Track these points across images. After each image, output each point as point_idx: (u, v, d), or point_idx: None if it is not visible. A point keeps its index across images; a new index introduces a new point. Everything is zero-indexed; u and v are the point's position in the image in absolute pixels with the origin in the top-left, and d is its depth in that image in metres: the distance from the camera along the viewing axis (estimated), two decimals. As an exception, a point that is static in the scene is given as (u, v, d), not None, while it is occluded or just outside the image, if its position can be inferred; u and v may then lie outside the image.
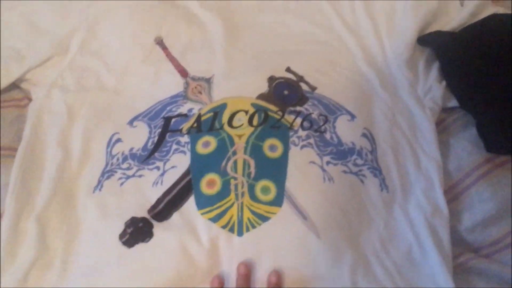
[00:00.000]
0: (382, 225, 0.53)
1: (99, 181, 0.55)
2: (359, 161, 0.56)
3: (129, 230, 0.51)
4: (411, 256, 0.52)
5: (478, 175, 0.56)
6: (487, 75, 0.58)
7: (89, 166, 0.56)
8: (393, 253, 0.52)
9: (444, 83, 0.61)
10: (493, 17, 0.62)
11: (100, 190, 0.54)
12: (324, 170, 0.54)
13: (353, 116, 0.58)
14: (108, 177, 0.55)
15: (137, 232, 0.51)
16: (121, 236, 0.51)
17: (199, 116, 0.58)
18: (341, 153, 0.56)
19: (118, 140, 0.57)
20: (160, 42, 0.63)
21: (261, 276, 0.50)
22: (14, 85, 0.63)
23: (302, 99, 0.59)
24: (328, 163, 0.55)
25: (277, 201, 0.52)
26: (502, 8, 0.66)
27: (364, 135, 0.57)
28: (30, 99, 0.61)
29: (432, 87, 0.61)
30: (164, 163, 0.55)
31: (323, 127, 0.57)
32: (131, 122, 0.58)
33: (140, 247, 0.51)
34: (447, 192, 0.56)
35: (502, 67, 0.58)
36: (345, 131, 0.57)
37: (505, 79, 0.57)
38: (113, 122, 0.58)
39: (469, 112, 0.60)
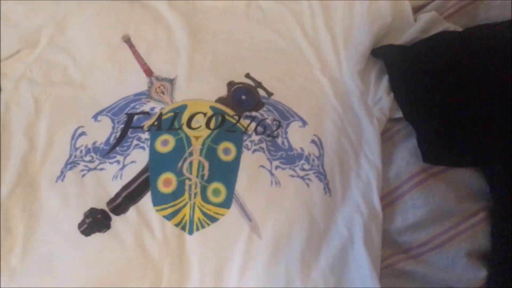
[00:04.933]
0: (322, 226, 0.58)
1: (62, 172, 0.58)
2: (306, 166, 0.60)
3: (87, 220, 0.56)
4: (343, 254, 0.57)
5: (414, 183, 0.61)
6: (429, 90, 0.62)
7: (53, 157, 0.59)
8: (328, 251, 0.57)
9: (392, 94, 0.65)
10: (442, 34, 0.66)
11: (62, 180, 0.58)
12: (272, 174, 0.59)
13: (304, 123, 0.63)
14: (70, 168, 0.58)
15: (95, 222, 0.56)
16: (80, 225, 0.56)
17: (161, 115, 0.61)
18: (290, 158, 0.60)
19: (83, 133, 0.60)
20: (127, 40, 0.65)
21: (208, 273, 0.55)
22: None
23: (258, 104, 0.63)
24: (277, 167, 0.59)
25: (226, 203, 0.57)
26: (452, 25, 0.69)
27: (313, 141, 0.62)
28: (-2, 90, 0.63)
29: (381, 98, 0.65)
30: (124, 158, 0.59)
31: (275, 132, 0.61)
32: (95, 117, 0.61)
33: (96, 236, 0.55)
34: (384, 197, 0.61)
35: (444, 83, 0.62)
36: (296, 137, 0.62)
37: (445, 95, 0.62)
38: (78, 116, 0.61)
39: (411, 124, 0.64)
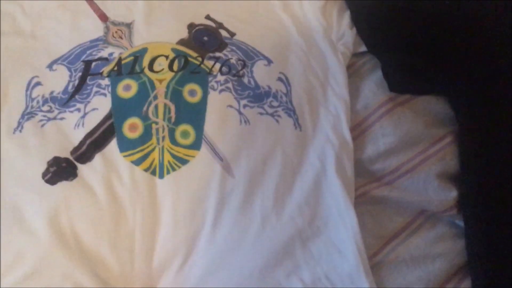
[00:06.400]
0: (295, 160, 0.58)
1: (19, 123, 0.55)
2: (275, 103, 0.59)
3: (52, 169, 0.53)
4: (317, 185, 0.57)
5: (382, 112, 0.61)
6: (390, 22, 0.63)
7: (8, 108, 0.56)
8: (302, 184, 0.57)
9: (355, 29, 0.65)
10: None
11: (20, 131, 0.55)
12: (241, 113, 0.58)
13: (269, 61, 0.62)
14: (28, 119, 0.56)
15: (60, 171, 0.53)
16: (44, 175, 0.53)
17: (120, 59, 0.59)
18: (258, 96, 0.59)
19: (38, 83, 0.57)
20: (78, -15, 0.62)
21: (182, 215, 0.54)
22: None
23: (221, 45, 0.61)
24: (245, 106, 0.58)
25: (195, 145, 0.56)
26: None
27: (279, 79, 0.61)
28: None
29: (345, 34, 0.65)
30: (85, 105, 0.56)
31: (241, 72, 0.60)
32: (50, 66, 0.58)
33: (63, 184, 0.53)
34: (354, 129, 0.61)
35: (405, 16, 0.63)
36: (262, 75, 0.60)
37: (405, 26, 0.63)
38: (31, 66, 0.58)
39: (375, 56, 0.64)
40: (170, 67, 0.59)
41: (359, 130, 0.62)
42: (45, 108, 0.56)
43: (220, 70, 0.60)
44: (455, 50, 0.62)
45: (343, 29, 0.65)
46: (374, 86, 0.63)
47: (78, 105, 0.56)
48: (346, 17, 0.66)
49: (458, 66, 0.62)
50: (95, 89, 0.57)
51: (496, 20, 0.64)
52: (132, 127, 0.56)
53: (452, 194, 0.58)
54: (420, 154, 0.60)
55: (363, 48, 0.66)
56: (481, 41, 0.62)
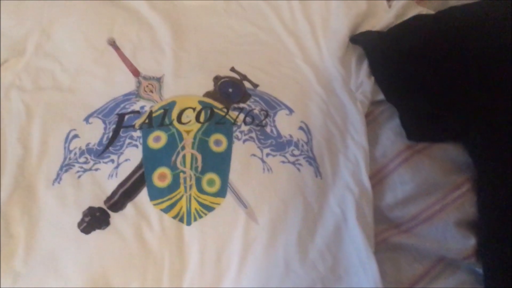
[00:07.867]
0: (316, 207, 0.60)
1: (58, 174, 0.59)
2: (296, 152, 0.62)
3: (86, 219, 0.57)
4: (338, 232, 0.59)
5: (400, 160, 0.63)
6: (407, 72, 0.65)
7: (48, 161, 0.60)
8: (323, 231, 0.59)
9: (373, 78, 0.68)
10: (416, 18, 0.68)
11: (59, 182, 0.59)
12: (264, 162, 0.61)
13: (291, 111, 0.65)
14: (66, 171, 0.60)
15: (94, 220, 0.57)
16: (79, 224, 0.57)
17: (151, 113, 0.63)
18: (280, 145, 0.62)
19: (75, 136, 0.62)
20: (113, 43, 0.67)
21: (209, 260, 0.56)
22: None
23: (245, 96, 0.65)
24: (268, 154, 0.61)
25: (221, 193, 0.59)
26: (425, 8, 0.72)
27: (301, 128, 0.64)
28: (-11, 100, 0.64)
29: (363, 82, 0.68)
30: (118, 156, 0.60)
31: (264, 122, 0.63)
32: (86, 119, 0.63)
33: (97, 233, 0.57)
34: (373, 176, 0.63)
35: (421, 64, 0.65)
36: (284, 124, 0.64)
37: (423, 75, 0.64)
38: (69, 120, 0.62)
39: (393, 105, 0.67)
40: (197, 118, 0.62)
41: (377, 177, 0.64)
42: (82, 159, 0.60)
43: (244, 120, 0.63)
44: (471, 98, 0.63)
45: (362, 78, 0.68)
46: (392, 134, 0.65)
47: (112, 156, 0.60)
48: (365, 66, 0.68)
49: (474, 113, 0.63)
50: (127, 140, 0.61)
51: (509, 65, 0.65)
52: (161, 176, 0.59)
53: (471, 242, 0.59)
54: (438, 202, 0.61)
55: (381, 97, 0.68)
56: (497, 88, 0.63)
